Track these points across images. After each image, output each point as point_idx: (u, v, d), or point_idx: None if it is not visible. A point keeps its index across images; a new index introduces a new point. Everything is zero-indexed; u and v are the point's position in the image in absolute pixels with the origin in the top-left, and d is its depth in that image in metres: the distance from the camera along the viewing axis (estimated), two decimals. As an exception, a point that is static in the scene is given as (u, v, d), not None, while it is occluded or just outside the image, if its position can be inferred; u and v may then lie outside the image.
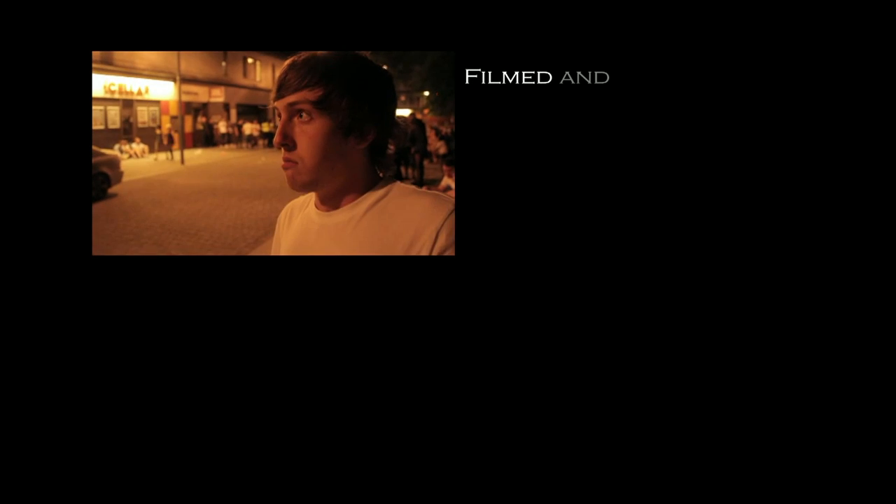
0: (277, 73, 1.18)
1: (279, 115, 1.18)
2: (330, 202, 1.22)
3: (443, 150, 10.85)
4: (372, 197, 1.20)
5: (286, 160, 1.17)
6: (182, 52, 16.35)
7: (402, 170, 10.83)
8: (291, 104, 1.15)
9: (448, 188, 6.72)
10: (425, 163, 11.20)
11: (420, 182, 10.48)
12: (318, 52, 1.17)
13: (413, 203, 1.16)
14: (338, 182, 1.20)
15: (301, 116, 1.15)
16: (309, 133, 1.15)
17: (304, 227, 1.26)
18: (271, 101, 1.19)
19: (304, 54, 1.17)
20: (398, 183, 1.21)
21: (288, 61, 1.17)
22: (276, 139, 1.16)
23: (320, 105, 1.14)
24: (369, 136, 1.19)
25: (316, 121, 1.15)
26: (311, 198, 1.28)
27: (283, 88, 1.15)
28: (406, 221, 1.14)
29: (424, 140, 11.24)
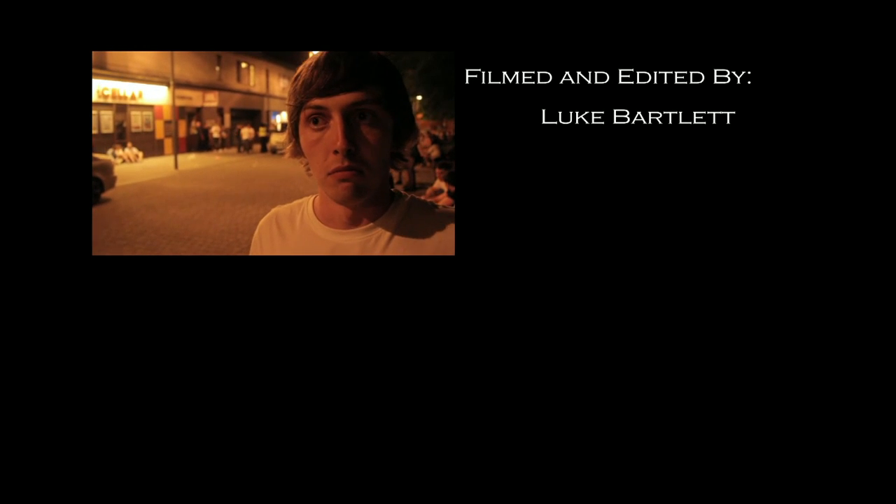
0: (307, 71, 1.06)
1: (291, 119, 1.08)
2: (348, 217, 1.13)
3: (435, 154, 10.83)
4: (396, 214, 1.13)
5: (348, 169, 1.04)
6: (176, 57, 16.27)
7: (395, 174, 10.76)
8: (355, 103, 1.04)
9: (440, 191, 6.72)
10: (417, 167, 11.20)
11: (413, 186, 10.48)
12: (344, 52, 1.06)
13: (446, 221, 1.12)
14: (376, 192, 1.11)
15: (364, 118, 1.05)
16: (375, 135, 1.06)
17: (307, 245, 1.16)
18: (296, 101, 1.06)
19: (324, 52, 1.06)
20: (410, 195, 1.16)
21: (316, 58, 1.06)
22: (340, 145, 1.03)
23: (386, 103, 1.06)
24: (412, 138, 1.13)
25: (382, 121, 1.06)
26: (300, 210, 1.19)
27: (332, 86, 1.03)
28: (444, 241, 1.10)
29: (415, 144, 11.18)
